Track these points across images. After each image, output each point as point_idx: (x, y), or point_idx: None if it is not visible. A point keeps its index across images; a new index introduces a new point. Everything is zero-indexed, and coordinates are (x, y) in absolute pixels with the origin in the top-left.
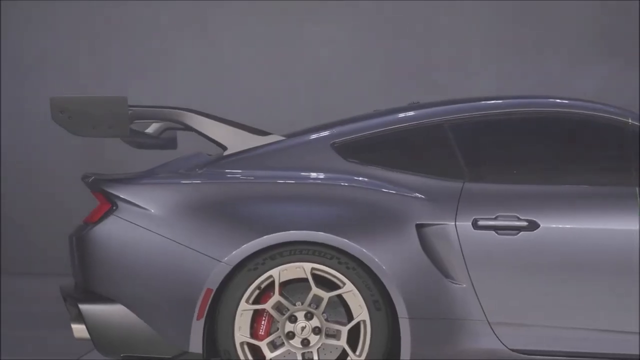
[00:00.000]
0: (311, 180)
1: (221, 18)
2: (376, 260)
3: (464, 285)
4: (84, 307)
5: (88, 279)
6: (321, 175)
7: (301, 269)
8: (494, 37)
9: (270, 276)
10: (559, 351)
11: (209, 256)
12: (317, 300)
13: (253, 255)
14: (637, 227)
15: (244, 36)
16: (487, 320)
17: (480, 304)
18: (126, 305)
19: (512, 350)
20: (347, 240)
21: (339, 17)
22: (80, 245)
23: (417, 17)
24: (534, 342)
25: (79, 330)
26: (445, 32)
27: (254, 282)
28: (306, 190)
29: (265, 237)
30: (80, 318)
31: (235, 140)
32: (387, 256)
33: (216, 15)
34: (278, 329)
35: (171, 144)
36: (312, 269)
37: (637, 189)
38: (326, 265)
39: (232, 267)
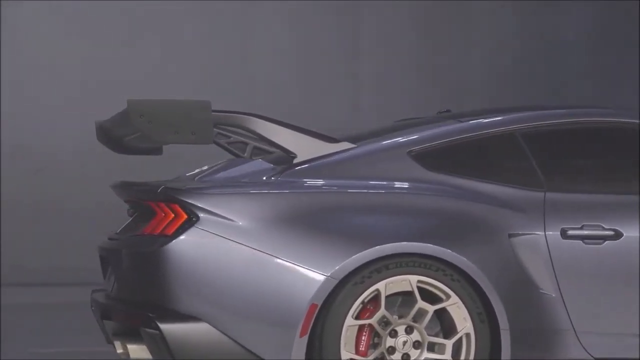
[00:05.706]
0: (403, 191)
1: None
2: (480, 272)
3: (554, 295)
4: (166, 327)
5: (164, 297)
6: (409, 185)
7: (407, 281)
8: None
9: (376, 290)
10: None
11: (312, 269)
12: (419, 313)
13: (358, 268)
14: None
15: None
16: (574, 330)
17: (568, 313)
18: (212, 323)
19: (597, 359)
20: (463, 258)
21: None
22: (153, 260)
23: None
24: (618, 350)
25: (137, 350)
26: None
27: (360, 296)
28: (400, 201)
29: (376, 248)
30: (120, 336)
31: (305, 147)
32: (488, 268)
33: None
34: (377, 344)
35: (155, 149)
36: (418, 281)
37: None
38: (432, 278)
39: (338, 280)
